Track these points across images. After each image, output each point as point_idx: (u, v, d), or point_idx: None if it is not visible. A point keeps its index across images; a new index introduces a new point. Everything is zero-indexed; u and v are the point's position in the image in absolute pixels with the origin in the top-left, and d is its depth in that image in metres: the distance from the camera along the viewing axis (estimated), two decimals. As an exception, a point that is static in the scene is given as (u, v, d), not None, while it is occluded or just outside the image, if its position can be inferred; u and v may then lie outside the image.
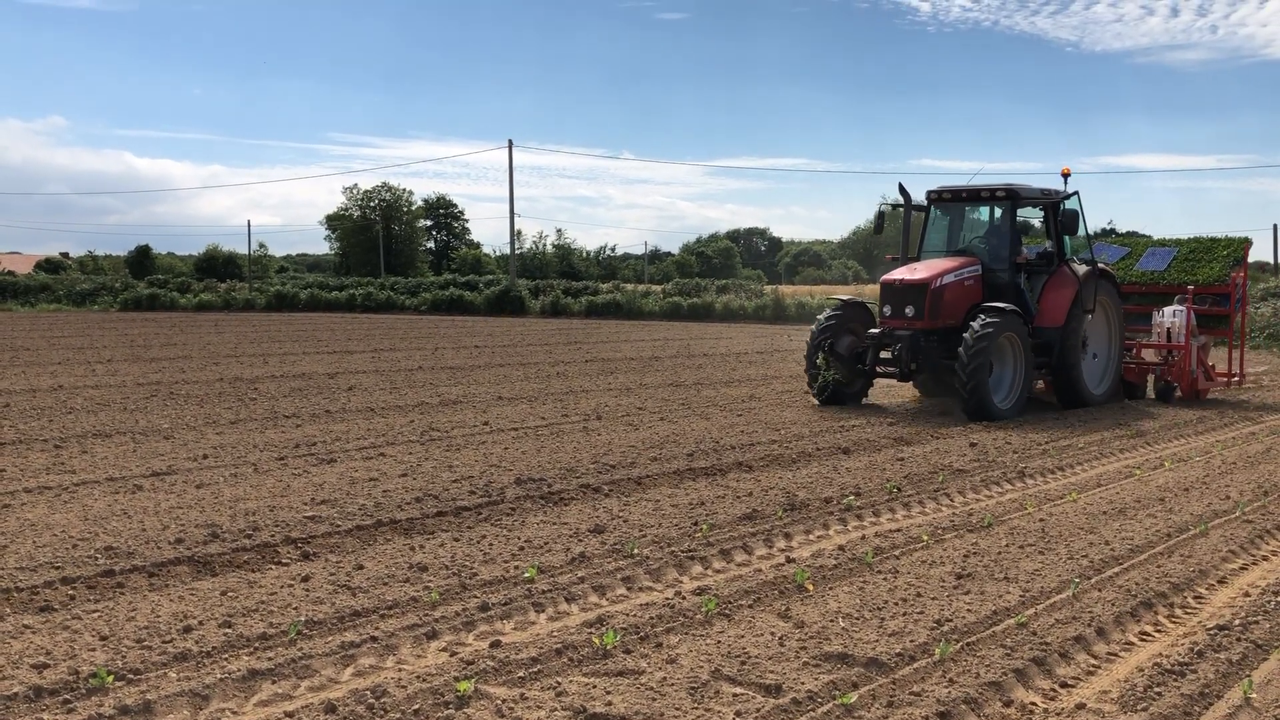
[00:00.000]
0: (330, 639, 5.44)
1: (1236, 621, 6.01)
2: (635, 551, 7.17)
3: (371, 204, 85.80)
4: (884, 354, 15.14)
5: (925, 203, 16.27)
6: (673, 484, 9.53)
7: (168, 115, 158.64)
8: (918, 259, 15.95)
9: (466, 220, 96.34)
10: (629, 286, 54.81)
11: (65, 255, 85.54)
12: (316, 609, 5.89)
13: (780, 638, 5.59)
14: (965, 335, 13.99)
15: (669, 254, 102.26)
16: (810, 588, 6.51)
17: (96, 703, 4.62)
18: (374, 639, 5.43)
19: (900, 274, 15.19)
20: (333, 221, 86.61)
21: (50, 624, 5.62)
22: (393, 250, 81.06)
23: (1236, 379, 17.81)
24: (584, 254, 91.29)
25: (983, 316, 14.18)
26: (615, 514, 8.30)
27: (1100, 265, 16.23)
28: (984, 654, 5.40)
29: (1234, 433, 13.51)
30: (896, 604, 6.20)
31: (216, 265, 67.60)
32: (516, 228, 61.52)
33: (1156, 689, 5.03)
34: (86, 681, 4.81)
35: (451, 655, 5.29)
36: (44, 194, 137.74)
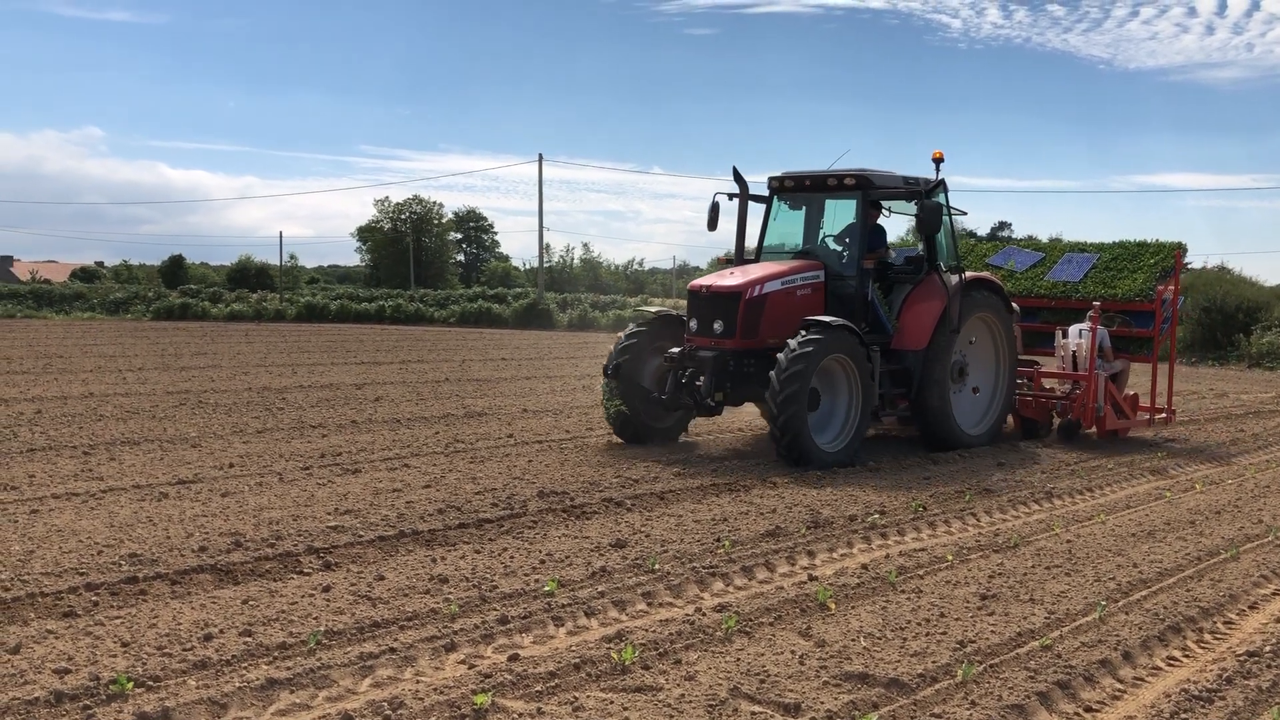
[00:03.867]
0: (349, 649, 5.44)
1: (1267, 648, 5.91)
2: (656, 567, 7.14)
3: (402, 216, 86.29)
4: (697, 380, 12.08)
5: (767, 192, 13.49)
6: (696, 499, 9.49)
7: (201, 127, 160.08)
8: (756, 261, 13.23)
9: (496, 233, 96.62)
10: (657, 300, 54.78)
11: (100, 264, 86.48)
12: (336, 619, 5.90)
13: (801, 656, 5.54)
14: (780, 356, 11.20)
15: (697, 268, 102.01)
16: (832, 606, 6.45)
17: (116, 709, 4.65)
18: (393, 650, 5.42)
19: (711, 279, 12.44)
20: (364, 233, 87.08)
21: (73, 629, 5.66)
22: (423, 262, 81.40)
23: (1164, 415, 14.70)
24: (612, 268, 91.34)
25: (803, 333, 11.39)
26: (637, 528, 8.28)
27: (983, 275, 13.64)
28: (1007, 676, 5.33)
29: (1267, 455, 13.31)
30: (919, 624, 6.14)
31: (248, 276, 67.97)
32: (545, 241, 61.56)
33: (1183, 716, 4.95)
34: (107, 687, 4.84)
35: (469, 668, 5.28)
36: (80, 204, 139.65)
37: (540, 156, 55.65)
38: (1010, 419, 14.48)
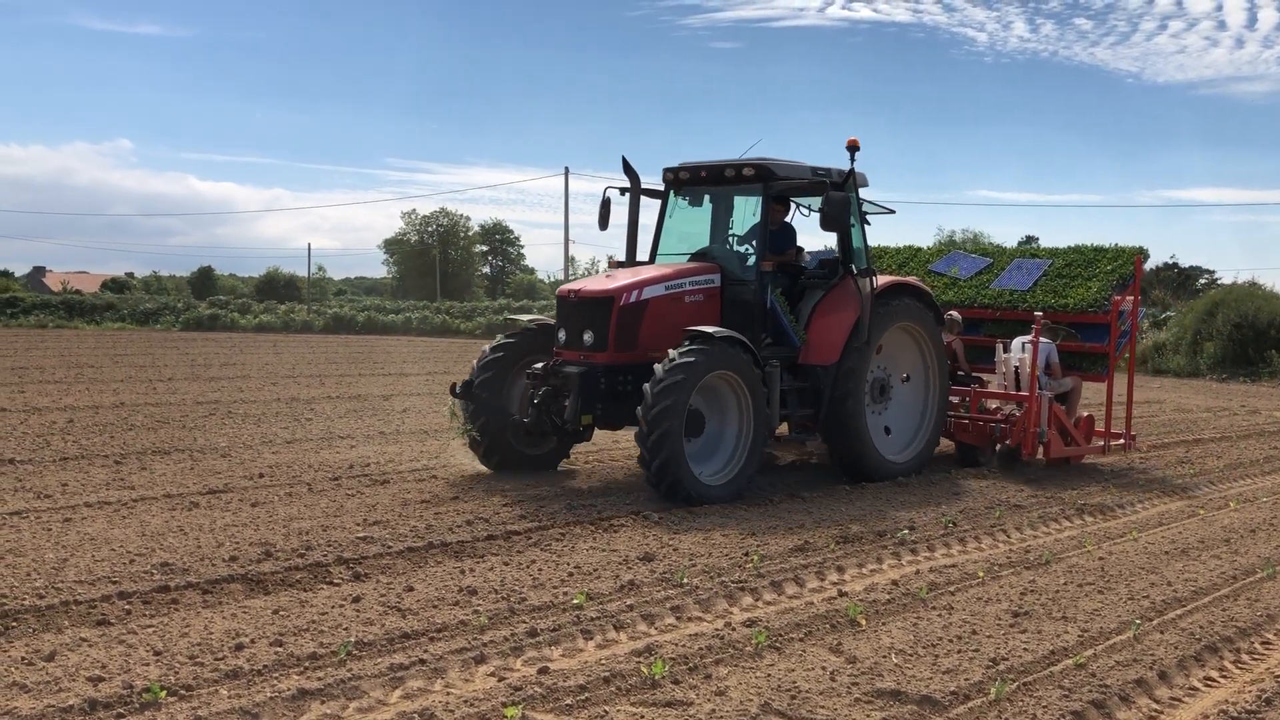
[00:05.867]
0: (379, 660, 5.45)
1: (1306, 669, 5.82)
2: (685, 581, 7.11)
3: (429, 229, 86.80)
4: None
5: (662, 186, 11.96)
6: (724, 513, 9.46)
7: (230, 139, 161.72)
8: (651, 263, 11.77)
9: (521, 246, 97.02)
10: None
11: (130, 275, 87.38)
12: (366, 630, 5.91)
13: (831, 672, 5.51)
14: (654, 371, 9.67)
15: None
16: (862, 622, 6.41)
17: (149, 717, 4.67)
18: (423, 662, 5.43)
19: (583, 283, 10.98)
20: (390, 245, 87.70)
21: (106, 638, 5.70)
22: (449, 274, 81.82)
23: (1122, 441, 13.20)
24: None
25: (682, 346, 9.84)
26: (665, 542, 8.26)
27: (906, 280, 11.95)
28: (1040, 695, 5.28)
29: (1302, 473, 13.13)
30: (951, 641, 6.09)
31: (276, 287, 68.52)
32: (570, 254, 61.74)
33: (1222, 737, 4.88)
34: (140, 696, 4.86)
35: (499, 680, 5.27)
36: (110, 215, 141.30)
37: (566, 170, 56.21)
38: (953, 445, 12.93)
